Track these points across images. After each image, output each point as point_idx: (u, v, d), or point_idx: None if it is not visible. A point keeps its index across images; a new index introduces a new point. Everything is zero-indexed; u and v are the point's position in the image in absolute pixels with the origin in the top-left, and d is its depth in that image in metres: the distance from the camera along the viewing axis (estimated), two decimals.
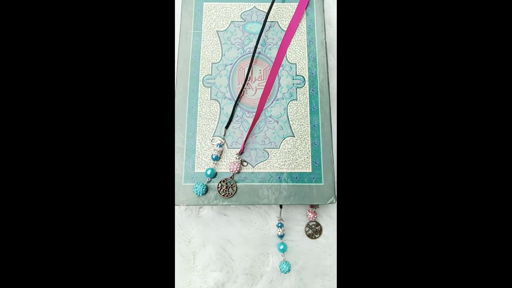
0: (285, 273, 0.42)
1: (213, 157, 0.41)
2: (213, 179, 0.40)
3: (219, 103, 0.44)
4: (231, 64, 0.47)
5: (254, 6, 0.49)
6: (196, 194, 0.40)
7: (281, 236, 0.44)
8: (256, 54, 0.47)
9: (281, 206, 0.45)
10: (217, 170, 0.41)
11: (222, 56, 0.47)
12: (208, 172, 0.40)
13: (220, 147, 0.41)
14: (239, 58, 0.47)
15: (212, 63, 0.47)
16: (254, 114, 0.43)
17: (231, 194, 0.40)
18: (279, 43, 0.48)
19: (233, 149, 0.42)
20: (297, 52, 0.47)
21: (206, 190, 0.40)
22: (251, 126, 0.42)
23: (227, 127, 0.42)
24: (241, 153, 0.41)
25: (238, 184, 0.40)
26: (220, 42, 0.48)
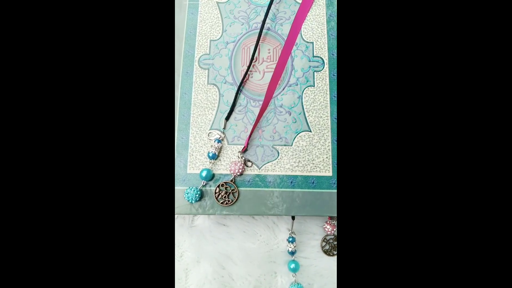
0: None
1: (210, 155, 0.35)
2: (210, 182, 0.35)
3: (218, 88, 0.38)
4: (233, 42, 0.39)
5: None
6: (188, 201, 0.34)
7: (293, 253, 0.39)
8: (264, 31, 0.40)
9: (293, 218, 0.39)
10: (214, 172, 0.35)
11: (223, 32, 0.40)
12: (203, 174, 0.35)
13: (218, 142, 0.36)
14: (244, 34, 0.40)
15: (210, 41, 0.40)
16: (261, 103, 0.37)
17: (232, 201, 0.34)
18: (293, 17, 0.40)
19: (234, 146, 0.36)
20: (314, 29, 0.40)
21: (201, 195, 0.35)
22: (257, 118, 0.36)
23: (227, 118, 0.37)
24: (244, 150, 0.36)
25: (240, 189, 0.35)
26: (221, 15, 0.40)
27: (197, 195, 0.34)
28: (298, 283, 0.38)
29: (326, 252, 0.40)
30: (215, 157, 0.35)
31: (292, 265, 0.38)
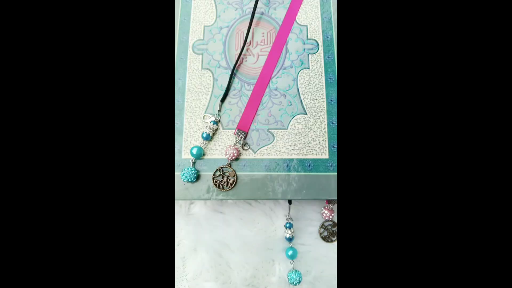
0: (295, 284, 0.37)
1: (204, 135, 0.35)
2: (205, 168, 0.34)
3: (212, 73, 0.37)
4: (227, 27, 0.39)
5: None
6: (186, 180, 0.33)
7: (290, 239, 0.38)
8: (258, 15, 0.39)
9: (290, 202, 0.39)
10: (210, 157, 0.35)
11: (216, 17, 0.40)
12: (194, 151, 0.34)
13: (214, 124, 0.35)
14: (238, 20, 0.39)
15: (204, 26, 0.39)
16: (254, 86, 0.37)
17: (229, 186, 0.33)
18: (285, 1, 0.40)
19: (229, 130, 0.36)
20: (308, 12, 0.40)
21: (197, 176, 0.34)
22: (249, 99, 0.36)
23: (223, 100, 0.36)
24: (237, 132, 0.35)
25: (237, 173, 0.34)
26: (215, 1, 0.40)
27: (193, 173, 0.33)
28: (295, 270, 0.37)
29: (324, 239, 0.39)
30: (208, 138, 0.35)
31: (290, 252, 0.38)
